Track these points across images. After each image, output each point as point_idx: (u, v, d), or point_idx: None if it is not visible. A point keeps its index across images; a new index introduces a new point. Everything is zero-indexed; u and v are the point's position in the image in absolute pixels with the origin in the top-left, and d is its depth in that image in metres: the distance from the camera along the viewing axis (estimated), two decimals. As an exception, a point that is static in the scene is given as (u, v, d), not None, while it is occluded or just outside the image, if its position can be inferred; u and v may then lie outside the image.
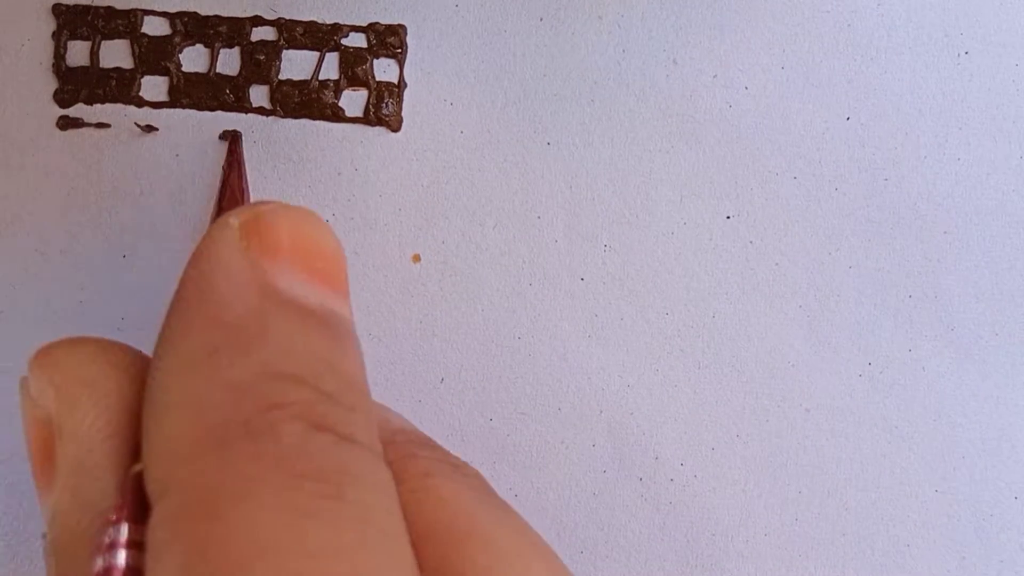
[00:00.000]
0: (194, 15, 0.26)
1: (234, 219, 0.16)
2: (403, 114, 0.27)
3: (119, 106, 0.26)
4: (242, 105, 0.26)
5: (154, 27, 0.26)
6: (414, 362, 0.27)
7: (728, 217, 0.27)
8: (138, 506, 0.15)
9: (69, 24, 0.26)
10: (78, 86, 0.26)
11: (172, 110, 0.26)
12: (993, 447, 0.27)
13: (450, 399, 0.27)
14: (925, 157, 0.27)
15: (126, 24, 0.26)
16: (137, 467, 0.15)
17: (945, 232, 0.27)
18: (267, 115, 0.26)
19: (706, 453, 0.27)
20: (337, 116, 0.26)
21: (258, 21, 0.26)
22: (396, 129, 0.26)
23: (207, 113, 0.26)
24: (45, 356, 0.16)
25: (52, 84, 0.26)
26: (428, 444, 0.17)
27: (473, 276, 0.27)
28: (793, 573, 0.27)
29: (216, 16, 0.26)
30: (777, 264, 0.27)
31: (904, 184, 0.27)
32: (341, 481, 0.13)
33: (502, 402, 0.27)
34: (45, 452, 0.16)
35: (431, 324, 0.27)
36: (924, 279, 0.27)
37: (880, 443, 0.27)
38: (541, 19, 0.27)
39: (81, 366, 0.16)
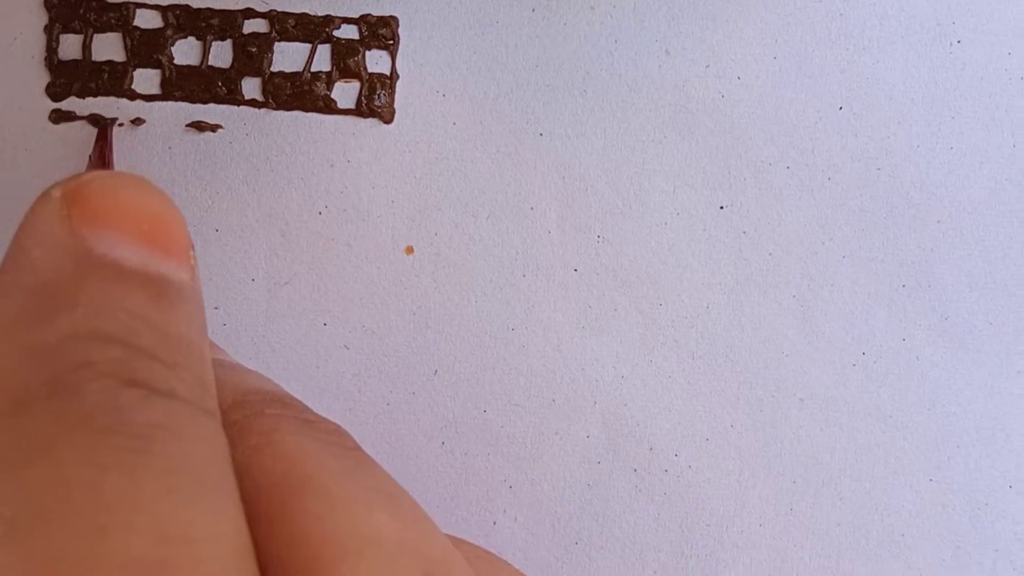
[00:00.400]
0: (186, 8, 0.26)
1: (56, 190, 0.16)
2: (395, 106, 0.26)
3: (112, 99, 0.26)
4: (234, 97, 0.26)
5: (146, 20, 0.26)
6: (408, 354, 0.27)
7: (721, 207, 0.27)
8: None
9: (61, 17, 0.26)
10: (70, 79, 0.26)
11: (164, 103, 0.26)
12: (987, 436, 0.27)
13: (444, 391, 0.27)
14: (918, 146, 0.27)
15: (118, 17, 0.26)
16: None
17: (938, 221, 0.27)
18: (259, 107, 0.26)
19: (700, 443, 0.27)
20: (329, 108, 0.26)
21: (250, 13, 0.26)
22: (388, 121, 0.26)
23: (199, 106, 0.26)
24: None
25: (44, 78, 0.26)
26: (281, 402, 0.17)
27: (466, 267, 0.27)
28: (788, 563, 0.27)
29: (208, 9, 0.26)
30: (771, 254, 0.27)
31: (897, 173, 0.27)
32: (151, 435, 0.13)
33: (496, 393, 0.27)
34: None
35: (424, 316, 0.27)
36: (917, 268, 0.27)
37: (874, 432, 0.27)
38: (533, 10, 0.27)
39: None
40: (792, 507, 0.27)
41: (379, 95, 0.26)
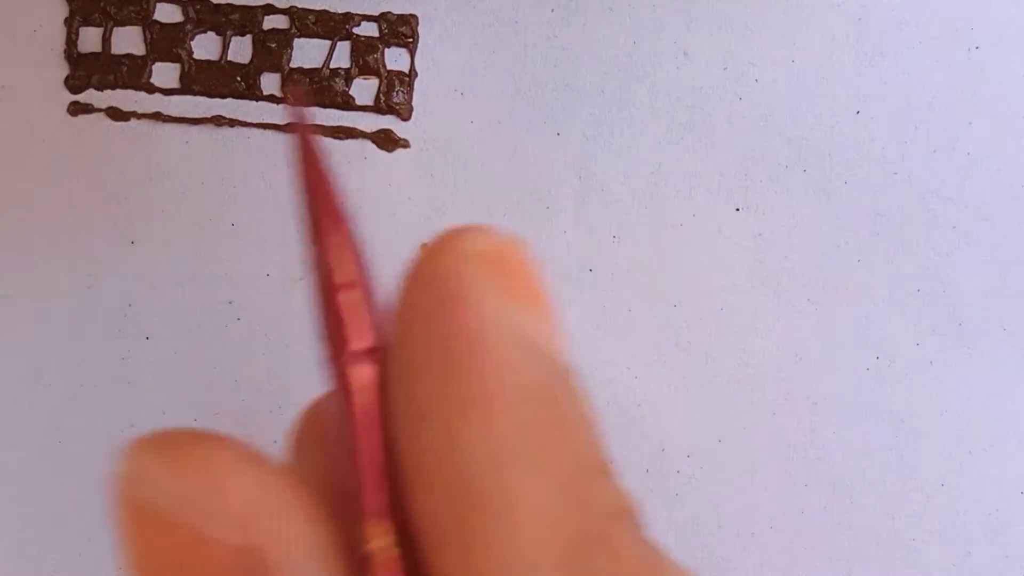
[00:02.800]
0: (206, 2, 0.26)
1: (477, 244, 0.14)
2: (413, 103, 0.27)
3: (130, 92, 0.26)
4: (253, 93, 0.26)
5: (166, 14, 0.26)
6: (422, 351, 0.27)
7: (737, 209, 0.27)
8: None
9: (81, 10, 0.26)
10: (90, 72, 0.26)
11: (183, 97, 0.26)
12: (1000, 442, 0.27)
13: (457, 389, 0.27)
14: (935, 152, 0.27)
15: (138, 11, 0.26)
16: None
17: (954, 227, 0.27)
18: (278, 103, 0.26)
19: (713, 445, 0.27)
20: (348, 104, 0.26)
21: (270, 9, 0.26)
22: (406, 118, 0.27)
23: (218, 100, 0.26)
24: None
25: (64, 70, 0.26)
26: None
27: (482, 266, 0.27)
28: (798, 566, 0.27)
29: (228, 4, 0.26)
30: (786, 257, 0.27)
31: (913, 178, 0.27)
32: None
33: (509, 392, 0.27)
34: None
35: (439, 313, 0.27)
36: (932, 274, 0.27)
37: (887, 437, 0.27)
38: (552, 10, 0.27)
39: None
40: (803, 510, 0.27)
41: (397, 92, 0.26)
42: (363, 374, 0.14)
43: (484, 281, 0.13)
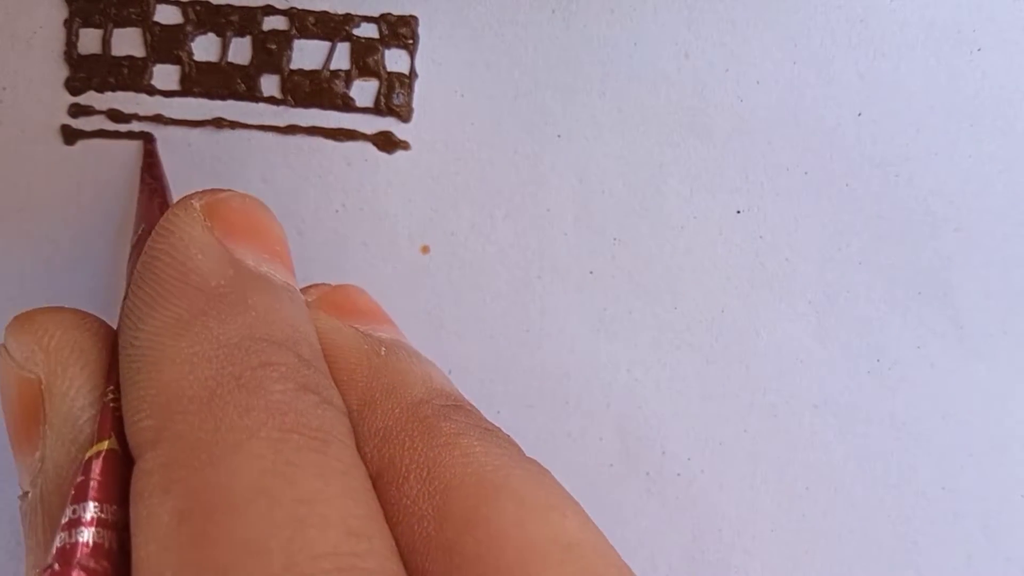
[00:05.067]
0: (206, 4, 0.26)
1: (196, 201, 0.17)
2: (414, 105, 0.27)
3: (131, 94, 0.26)
4: (253, 94, 0.26)
5: (166, 15, 0.26)
6: (422, 353, 0.27)
7: (738, 212, 0.27)
8: (105, 483, 0.15)
9: (81, 12, 0.26)
10: (90, 74, 0.26)
11: (184, 99, 0.26)
12: (1001, 445, 0.27)
13: (457, 391, 0.27)
14: (936, 154, 0.27)
15: (138, 12, 0.26)
16: (98, 447, 0.16)
17: (955, 229, 0.27)
18: (278, 104, 0.26)
19: (713, 448, 0.27)
20: (348, 106, 0.26)
21: (270, 10, 0.26)
22: (407, 120, 0.26)
23: (219, 102, 0.26)
24: (29, 322, 0.17)
25: (64, 72, 0.26)
26: (464, 408, 0.18)
27: (482, 268, 0.27)
28: (799, 570, 0.27)
29: (228, 5, 0.26)
30: (787, 259, 0.27)
31: (915, 181, 0.27)
32: (325, 438, 0.15)
33: (509, 395, 0.27)
34: (29, 412, 0.17)
35: (439, 315, 0.27)
36: (934, 276, 0.27)
37: (888, 440, 0.27)
38: (553, 11, 0.27)
39: (67, 332, 0.17)
40: (804, 513, 0.27)
41: (398, 94, 0.26)
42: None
43: (192, 219, 0.17)
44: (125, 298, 0.17)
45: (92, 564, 0.14)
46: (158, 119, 0.26)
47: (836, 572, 0.27)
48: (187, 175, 0.26)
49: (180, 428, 0.14)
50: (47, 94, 0.26)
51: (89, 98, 0.26)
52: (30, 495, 0.16)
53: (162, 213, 0.18)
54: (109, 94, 0.26)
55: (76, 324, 0.17)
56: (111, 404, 0.16)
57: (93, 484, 0.15)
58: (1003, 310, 0.27)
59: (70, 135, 0.26)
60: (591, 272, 0.27)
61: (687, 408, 0.27)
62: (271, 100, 0.26)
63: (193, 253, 0.17)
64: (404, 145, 0.26)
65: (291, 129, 0.26)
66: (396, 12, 0.26)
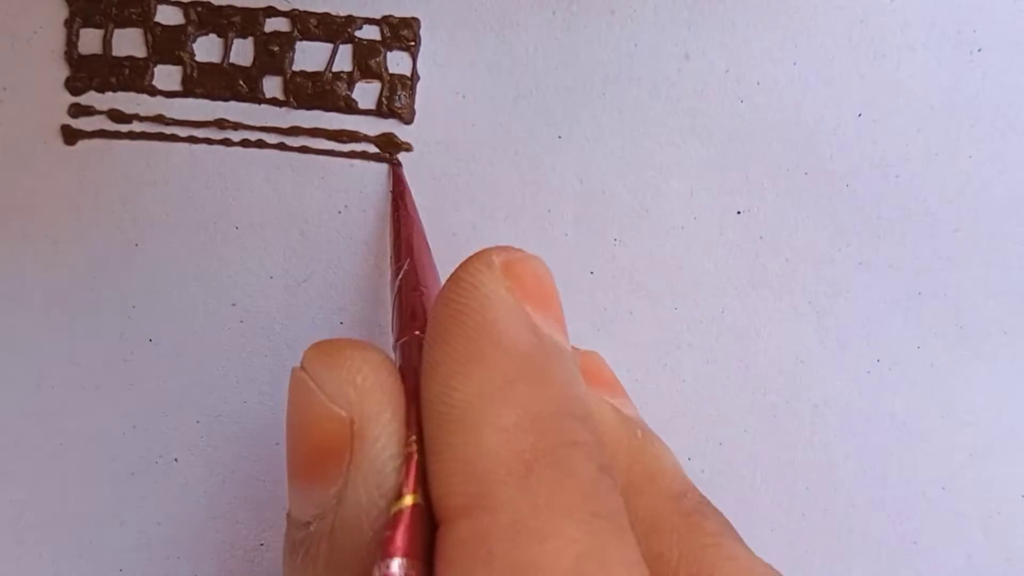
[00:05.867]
0: (208, 4, 0.26)
1: (496, 258, 0.17)
2: (415, 106, 0.27)
3: (132, 95, 0.26)
4: (255, 96, 0.26)
5: (167, 16, 0.26)
6: (424, 354, 0.27)
7: (738, 212, 0.27)
8: (412, 539, 0.15)
9: (82, 12, 0.26)
10: (90, 74, 0.26)
11: (185, 100, 0.26)
12: (1001, 445, 0.27)
13: (459, 391, 0.27)
14: (936, 154, 0.27)
15: (139, 13, 0.26)
16: (407, 501, 0.16)
17: (955, 230, 0.27)
18: (280, 106, 0.26)
19: (714, 448, 0.27)
20: (350, 108, 0.26)
21: (272, 12, 0.26)
22: (408, 121, 0.27)
23: (220, 103, 0.26)
24: (339, 355, 0.17)
25: (64, 72, 0.26)
26: (713, 507, 0.18)
27: (483, 269, 0.27)
28: (799, 569, 0.27)
29: (230, 6, 0.26)
30: (787, 260, 0.27)
31: (915, 181, 0.27)
32: (623, 524, 0.15)
33: (511, 395, 0.27)
34: (331, 448, 0.16)
35: (441, 316, 0.27)
36: (934, 276, 0.27)
37: (888, 440, 0.27)
38: (553, 13, 0.27)
39: (377, 373, 0.17)
40: (804, 513, 0.27)
41: (399, 96, 0.26)
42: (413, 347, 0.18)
43: (496, 279, 0.17)
44: (424, 347, 0.17)
45: None
46: (159, 120, 0.26)
47: (836, 572, 0.27)
48: (190, 175, 0.26)
49: (500, 500, 0.14)
50: (47, 94, 0.26)
51: (90, 98, 0.26)
52: (313, 527, 0.16)
53: (410, 243, 0.18)
54: (110, 94, 0.26)
55: (383, 365, 0.17)
56: (415, 456, 0.16)
57: (402, 539, 0.15)
58: (1003, 310, 0.27)
59: (70, 135, 0.26)
60: (592, 272, 0.27)
61: (687, 408, 0.27)
62: (273, 102, 0.26)
63: (503, 315, 0.16)
64: (406, 146, 0.26)
65: (294, 131, 0.26)
66: (398, 14, 0.26)
